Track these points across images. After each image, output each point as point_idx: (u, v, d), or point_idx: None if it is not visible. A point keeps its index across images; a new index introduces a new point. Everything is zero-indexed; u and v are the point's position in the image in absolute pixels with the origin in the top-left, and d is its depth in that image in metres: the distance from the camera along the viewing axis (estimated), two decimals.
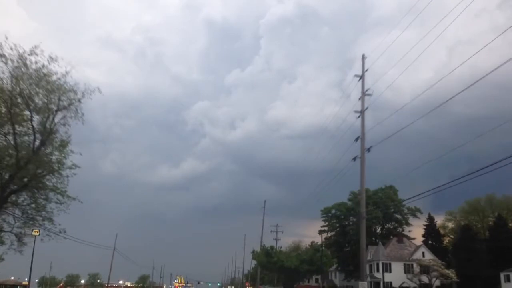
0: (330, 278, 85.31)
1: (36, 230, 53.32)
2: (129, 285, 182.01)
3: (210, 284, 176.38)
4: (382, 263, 63.70)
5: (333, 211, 75.77)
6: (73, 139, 27.10)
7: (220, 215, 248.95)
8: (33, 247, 57.06)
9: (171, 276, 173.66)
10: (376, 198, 72.44)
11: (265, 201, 79.11)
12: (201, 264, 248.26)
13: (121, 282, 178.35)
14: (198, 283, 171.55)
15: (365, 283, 32.59)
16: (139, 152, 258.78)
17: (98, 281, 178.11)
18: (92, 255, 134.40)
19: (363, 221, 32.41)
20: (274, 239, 73.23)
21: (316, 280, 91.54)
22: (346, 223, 74.94)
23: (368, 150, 31.98)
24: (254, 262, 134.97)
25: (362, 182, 31.93)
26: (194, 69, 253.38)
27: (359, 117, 33.77)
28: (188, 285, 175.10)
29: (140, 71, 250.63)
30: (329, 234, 77.04)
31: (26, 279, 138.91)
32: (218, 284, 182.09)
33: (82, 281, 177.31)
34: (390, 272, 63.47)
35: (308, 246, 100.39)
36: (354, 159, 32.74)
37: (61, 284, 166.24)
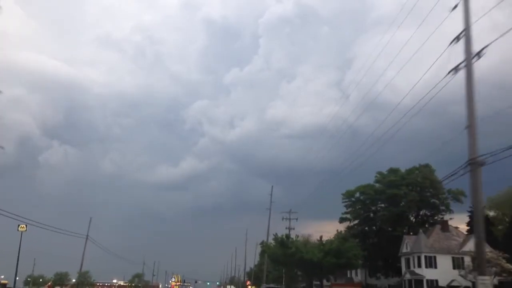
0: (349, 275, 71.43)
1: (22, 226, 39.46)
2: (121, 284, 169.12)
3: (208, 283, 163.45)
4: (425, 257, 49.86)
5: (357, 195, 61.95)
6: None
7: (219, 214, 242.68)
8: (19, 243, 45.72)
9: (166, 274, 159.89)
10: (410, 178, 58.74)
11: (272, 186, 66.55)
12: (199, 263, 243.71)
13: (115, 281, 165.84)
14: (196, 282, 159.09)
15: (488, 278, 18.66)
16: (139, 151, 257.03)
17: (93, 280, 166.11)
18: (80, 252, 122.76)
19: (477, 172, 18.67)
20: (286, 228, 59.55)
21: (327, 279, 78.26)
22: (373, 208, 61.10)
23: (479, 54, 18.52)
24: (257, 260, 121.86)
25: (469, 102, 18.33)
26: (193, 68, 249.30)
27: (454, 7, 20.49)
28: (186, 284, 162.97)
29: (139, 70, 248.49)
30: (352, 223, 63.14)
31: (17, 278, 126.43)
32: (217, 283, 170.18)
33: (73, 280, 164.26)
34: (435, 267, 49.71)
35: (317, 240, 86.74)
36: (455, 69, 19.26)
37: (49, 283, 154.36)
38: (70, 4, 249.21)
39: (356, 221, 62.77)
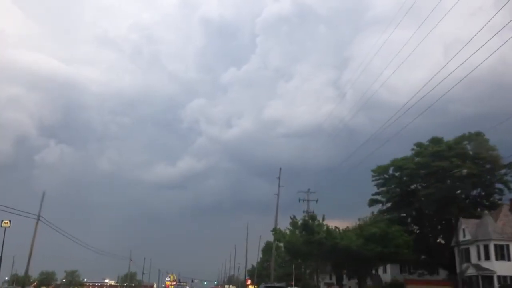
0: (375, 272, 57.91)
1: (6, 221, 29.55)
2: (113, 283, 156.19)
3: (206, 283, 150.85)
4: (495, 246, 36.73)
5: (391, 171, 48.69)
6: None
7: (217, 213, 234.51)
8: (2, 240, 40.73)
9: (160, 272, 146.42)
10: (459, 148, 45.58)
11: (280, 168, 54.51)
12: (197, 263, 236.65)
13: (107, 280, 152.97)
14: (192, 281, 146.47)
15: None
16: (136, 150, 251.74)
17: (84, 280, 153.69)
18: (70, 251, 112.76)
19: None
20: (304, 211, 46.26)
21: (338, 280, 65.67)
22: (413, 187, 47.83)
23: None
24: (259, 256, 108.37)
25: None
26: (190, 67, 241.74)
27: None
28: (182, 283, 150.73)
29: (137, 69, 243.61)
30: (385, 206, 49.77)
31: (6, 278, 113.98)
32: (215, 282, 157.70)
33: (64, 280, 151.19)
34: (508, 259, 36.57)
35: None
36: None
37: (34, 284, 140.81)
38: (68, 3, 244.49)
39: (389, 204, 49.46)
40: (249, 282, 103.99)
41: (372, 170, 49.08)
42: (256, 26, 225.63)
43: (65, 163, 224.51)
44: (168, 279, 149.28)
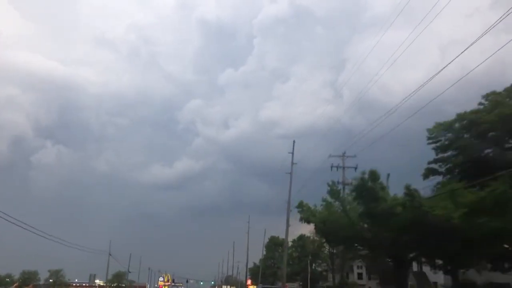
0: (415, 268, 43.84)
1: None
2: (101, 284, 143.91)
3: (202, 283, 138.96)
4: None
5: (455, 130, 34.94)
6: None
7: (216, 214, 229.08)
8: None
9: (150, 271, 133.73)
10: None
11: (294, 141, 42.55)
12: (194, 263, 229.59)
13: (96, 281, 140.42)
14: (187, 281, 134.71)
15: None
16: (134, 151, 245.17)
17: (68, 279, 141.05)
18: (54, 249, 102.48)
19: None
20: (339, 182, 32.63)
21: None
22: (489, 151, 34.04)
23: None
24: (263, 254, 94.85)
25: None
26: (188, 68, 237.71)
27: None
28: (177, 284, 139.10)
29: (134, 70, 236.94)
30: (445, 178, 35.82)
31: None
32: (212, 282, 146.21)
33: (51, 280, 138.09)
34: None
35: None
36: None
37: (16, 284, 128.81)
38: (64, 4, 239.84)
39: (448, 176, 35.62)
40: (249, 282, 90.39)
41: (428, 130, 35.38)
42: (253, 28, 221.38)
43: (63, 164, 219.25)
44: (162, 279, 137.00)
